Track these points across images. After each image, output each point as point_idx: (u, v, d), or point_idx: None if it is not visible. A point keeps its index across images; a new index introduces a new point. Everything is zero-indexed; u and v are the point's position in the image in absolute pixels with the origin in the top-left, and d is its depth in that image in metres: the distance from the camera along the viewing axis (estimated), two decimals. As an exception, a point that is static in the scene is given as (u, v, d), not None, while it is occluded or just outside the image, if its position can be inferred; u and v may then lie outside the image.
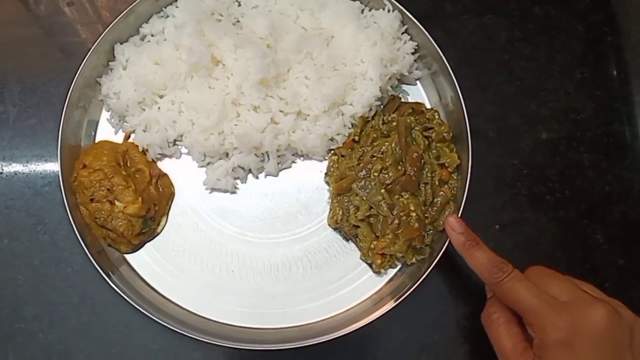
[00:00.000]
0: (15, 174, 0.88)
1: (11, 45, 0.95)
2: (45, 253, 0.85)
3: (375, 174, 0.81)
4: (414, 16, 0.88)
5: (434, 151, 0.85)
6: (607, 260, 0.88)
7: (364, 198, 0.81)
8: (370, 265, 0.83)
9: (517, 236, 0.88)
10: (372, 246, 0.81)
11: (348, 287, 0.84)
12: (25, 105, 0.91)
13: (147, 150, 0.85)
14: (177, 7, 0.89)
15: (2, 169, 0.88)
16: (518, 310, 0.64)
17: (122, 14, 0.86)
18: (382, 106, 0.88)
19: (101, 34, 0.86)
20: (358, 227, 0.82)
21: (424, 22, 0.88)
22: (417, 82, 0.92)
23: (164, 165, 0.87)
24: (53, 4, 0.97)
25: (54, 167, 0.88)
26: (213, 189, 0.86)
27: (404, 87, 0.92)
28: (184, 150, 0.88)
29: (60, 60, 0.94)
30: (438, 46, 0.87)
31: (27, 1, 0.97)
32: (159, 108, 0.85)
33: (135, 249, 0.83)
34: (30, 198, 0.87)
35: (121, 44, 0.88)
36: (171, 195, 0.86)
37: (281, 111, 0.84)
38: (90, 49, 0.85)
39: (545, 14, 0.99)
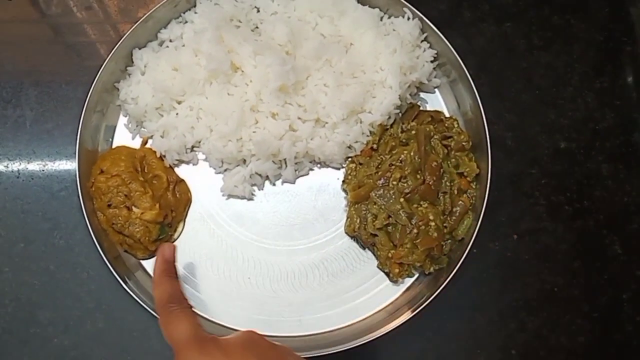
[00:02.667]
0: (32, 178, 0.88)
1: (28, 48, 0.95)
2: (61, 258, 0.84)
3: (394, 182, 0.81)
4: (432, 23, 0.88)
5: (453, 160, 0.84)
6: (626, 272, 0.87)
7: (383, 207, 0.81)
8: (387, 274, 0.83)
9: (535, 246, 0.88)
10: (389, 255, 0.81)
11: (364, 295, 0.83)
12: (42, 108, 0.91)
13: (164, 156, 0.85)
14: (195, 12, 0.89)
15: (19, 173, 0.88)
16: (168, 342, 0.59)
17: (140, 20, 0.86)
18: (400, 114, 0.88)
19: (119, 38, 0.86)
20: (376, 235, 0.81)
21: (442, 29, 0.87)
22: (436, 90, 0.91)
23: (181, 171, 0.87)
24: (70, 8, 0.97)
25: (70, 171, 0.88)
26: (230, 196, 0.86)
27: (422, 95, 0.92)
28: (201, 156, 0.87)
29: (77, 64, 0.94)
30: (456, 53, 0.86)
31: (43, 4, 0.97)
32: (177, 114, 0.85)
33: (152, 255, 0.83)
34: (46, 202, 0.87)
35: (139, 49, 0.88)
36: (188, 202, 0.85)
37: (299, 118, 0.84)
38: (109, 53, 0.85)
39: (564, 22, 0.98)
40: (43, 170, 0.88)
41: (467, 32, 0.96)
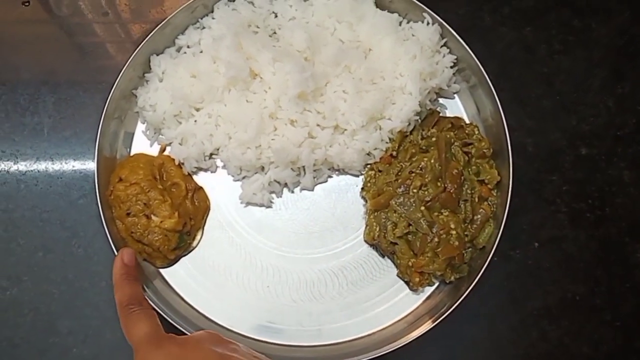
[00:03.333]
0: (50, 186, 0.88)
1: (44, 55, 0.95)
2: (79, 267, 0.84)
3: (415, 190, 0.80)
4: (452, 28, 0.87)
5: (474, 167, 0.83)
6: (649, 280, 0.86)
7: (403, 215, 0.80)
8: (407, 282, 0.82)
9: (557, 253, 0.87)
10: (410, 264, 0.80)
11: (384, 304, 0.82)
12: (60, 116, 0.91)
13: (183, 163, 0.85)
14: (213, 18, 0.89)
15: (37, 181, 0.88)
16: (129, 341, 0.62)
17: (158, 26, 0.86)
18: (420, 121, 0.87)
19: (137, 45, 0.86)
20: (396, 244, 0.81)
21: (462, 34, 0.86)
22: (455, 95, 0.91)
23: (200, 178, 0.87)
24: (89, 15, 0.97)
25: (89, 179, 0.88)
26: (249, 203, 0.86)
27: (442, 101, 0.91)
28: (219, 163, 0.87)
29: (94, 72, 0.94)
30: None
31: (59, 11, 0.97)
32: (195, 121, 0.85)
33: (171, 263, 0.82)
34: (65, 210, 0.87)
35: (157, 55, 0.88)
36: (207, 210, 0.85)
37: (318, 125, 0.83)
38: (126, 60, 0.85)
39: (584, 27, 0.97)
40: (61, 178, 0.88)
41: (487, 36, 0.96)
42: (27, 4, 0.96)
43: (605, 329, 0.84)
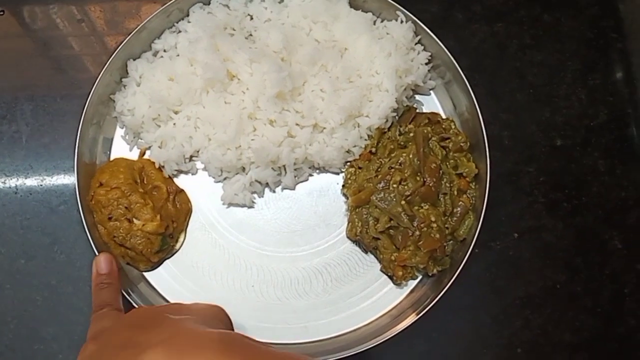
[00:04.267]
0: (30, 194, 0.87)
1: (20, 64, 0.95)
2: (62, 272, 0.84)
3: (394, 185, 0.81)
4: (425, 26, 0.88)
5: (452, 161, 0.85)
6: (626, 266, 0.88)
7: (384, 210, 0.81)
8: (390, 277, 0.83)
9: (536, 243, 0.88)
10: (393, 258, 0.81)
11: (369, 299, 0.83)
12: (38, 123, 0.91)
13: (163, 166, 0.85)
14: (189, 22, 0.89)
15: (17, 189, 0.87)
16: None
17: (134, 31, 0.86)
18: (397, 117, 0.88)
19: (112, 50, 0.86)
20: (378, 239, 0.82)
21: (435, 31, 0.88)
22: (431, 92, 0.92)
23: (180, 181, 0.87)
24: (63, 21, 0.97)
25: (69, 185, 0.87)
26: (230, 204, 0.86)
27: (418, 97, 0.92)
28: (199, 165, 0.87)
29: (71, 77, 0.94)
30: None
31: (33, 18, 0.97)
32: (174, 124, 0.85)
33: (154, 266, 0.82)
34: (45, 217, 0.86)
35: (134, 60, 0.88)
36: (189, 212, 0.85)
37: (297, 124, 0.84)
38: (102, 65, 0.85)
39: (555, 21, 0.99)
40: (41, 185, 0.88)
41: (460, 33, 0.97)
42: (1, 13, 0.96)
43: (586, 315, 0.86)
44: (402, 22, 0.88)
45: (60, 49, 0.96)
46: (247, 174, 0.85)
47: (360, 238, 0.83)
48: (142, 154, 0.87)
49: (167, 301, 0.82)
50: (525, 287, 0.86)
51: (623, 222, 0.89)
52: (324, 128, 0.85)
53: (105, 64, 0.84)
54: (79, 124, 0.82)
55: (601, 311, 0.86)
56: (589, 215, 0.90)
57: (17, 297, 0.83)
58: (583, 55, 0.98)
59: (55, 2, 0.97)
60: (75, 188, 0.80)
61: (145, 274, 0.83)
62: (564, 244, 0.88)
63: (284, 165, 0.85)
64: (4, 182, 0.88)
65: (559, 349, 0.84)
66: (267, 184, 0.86)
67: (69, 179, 0.88)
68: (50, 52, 0.96)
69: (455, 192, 0.83)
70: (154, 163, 0.85)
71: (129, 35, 0.86)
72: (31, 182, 0.88)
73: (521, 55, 0.97)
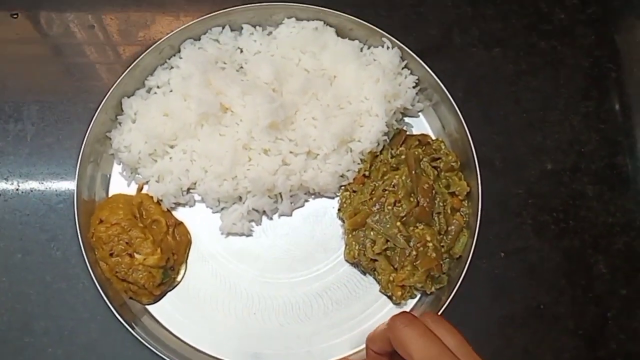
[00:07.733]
0: (31, 191, 0.89)
1: (29, 64, 0.97)
2: (57, 269, 0.86)
3: (389, 207, 0.83)
4: (422, 49, 0.91)
5: (444, 180, 0.87)
6: (610, 290, 0.88)
7: (380, 232, 0.82)
8: (390, 297, 0.84)
9: (522, 264, 0.89)
10: (391, 278, 0.82)
11: (370, 320, 0.85)
12: (44, 123, 0.93)
13: (161, 200, 0.86)
14: (180, 57, 0.91)
15: (19, 186, 0.89)
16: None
17: (127, 69, 0.88)
18: (388, 140, 0.90)
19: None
20: (376, 260, 0.83)
21: (433, 54, 0.90)
22: (420, 114, 0.94)
23: (179, 213, 0.88)
24: (72, 28, 0.99)
25: (69, 184, 0.89)
26: (229, 233, 0.87)
27: (407, 119, 0.94)
28: (197, 197, 0.89)
29: (79, 83, 0.96)
30: (446, 77, 0.89)
31: (45, 24, 0.99)
32: (170, 158, 0.86)
33: (157, 299, 0.83)
34: (44, 214, 0.88)
35: (128, 97, 0.90)
36: (188, 243, 0.86)
37: (291, 152, 0.86)
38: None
39: (551, 48, 1.00)
40: (42, 183, 0.90)
41: (457, 56, 0.99)
42: (15, 16, 0.98)
43: (568, 337, 0.86)
44: (388, 48, 0.91)
45: (72, 55, 0.99)
46: (244, 203, 0.86)
47: (359, 260, 0.84)
48: (140, 188, 0.88)
49: (172, 333, 0.83)
50: (509, 306, 0.87)
51: (609, 247, 0.90)
52: (318, 154, 0.87)
53: (101, 102, 0.86)
54: (77, 163, 0.84)
55: (583, 333, 0.87)
56: (576, 239, 0.91)
57: (12, 290, 0.85)
58: (577, 83, 0.99)
59: (69, 8, 1.00)
60: (76, 227, 0.82)
61: (148, 307, 0.84)
62: (550, 266, 0.89)
63: (280, 193, 0.87)
64: (7, 179, 0.90)
65: (540, 369, 0.85)
66: (264, 211, 0.88)
67: (69, 179, 0.90)
68: (61, 57, 0.99)
69: (449, 211, 0.85)
70: (152, 197, 0.86)
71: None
72: (33, 180, 0.90)
73: (517, 81, 0.98)
